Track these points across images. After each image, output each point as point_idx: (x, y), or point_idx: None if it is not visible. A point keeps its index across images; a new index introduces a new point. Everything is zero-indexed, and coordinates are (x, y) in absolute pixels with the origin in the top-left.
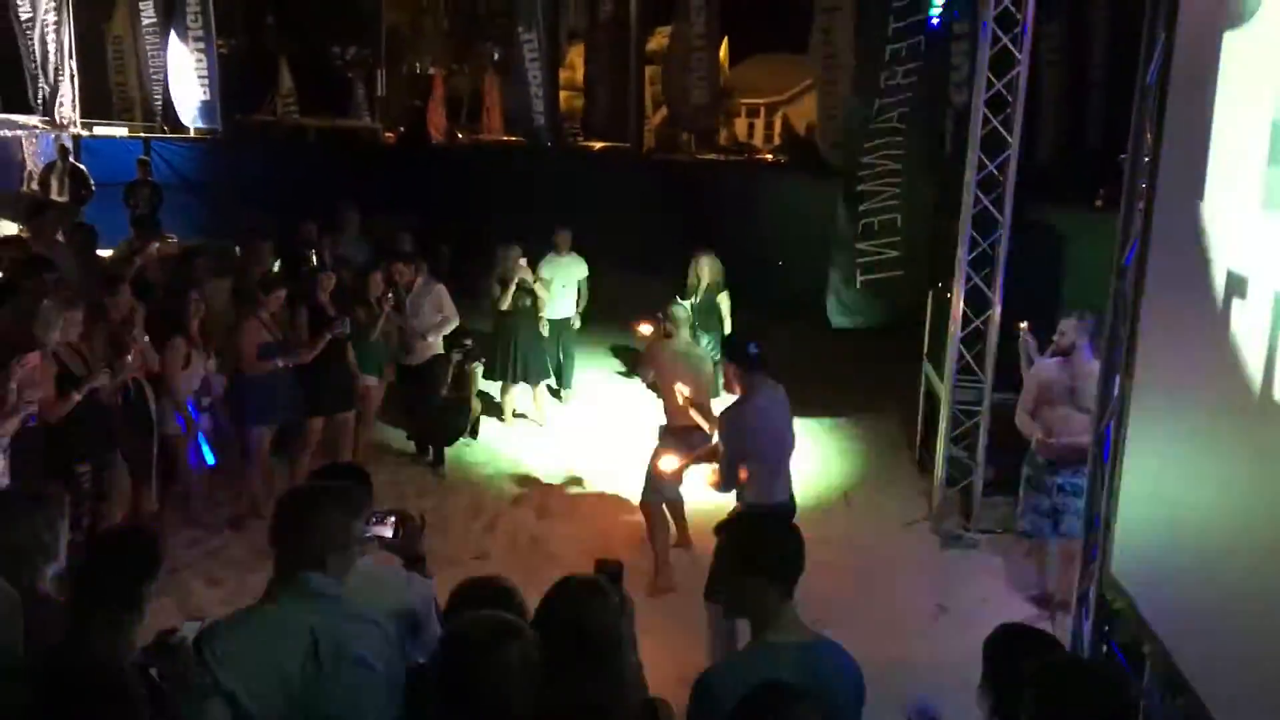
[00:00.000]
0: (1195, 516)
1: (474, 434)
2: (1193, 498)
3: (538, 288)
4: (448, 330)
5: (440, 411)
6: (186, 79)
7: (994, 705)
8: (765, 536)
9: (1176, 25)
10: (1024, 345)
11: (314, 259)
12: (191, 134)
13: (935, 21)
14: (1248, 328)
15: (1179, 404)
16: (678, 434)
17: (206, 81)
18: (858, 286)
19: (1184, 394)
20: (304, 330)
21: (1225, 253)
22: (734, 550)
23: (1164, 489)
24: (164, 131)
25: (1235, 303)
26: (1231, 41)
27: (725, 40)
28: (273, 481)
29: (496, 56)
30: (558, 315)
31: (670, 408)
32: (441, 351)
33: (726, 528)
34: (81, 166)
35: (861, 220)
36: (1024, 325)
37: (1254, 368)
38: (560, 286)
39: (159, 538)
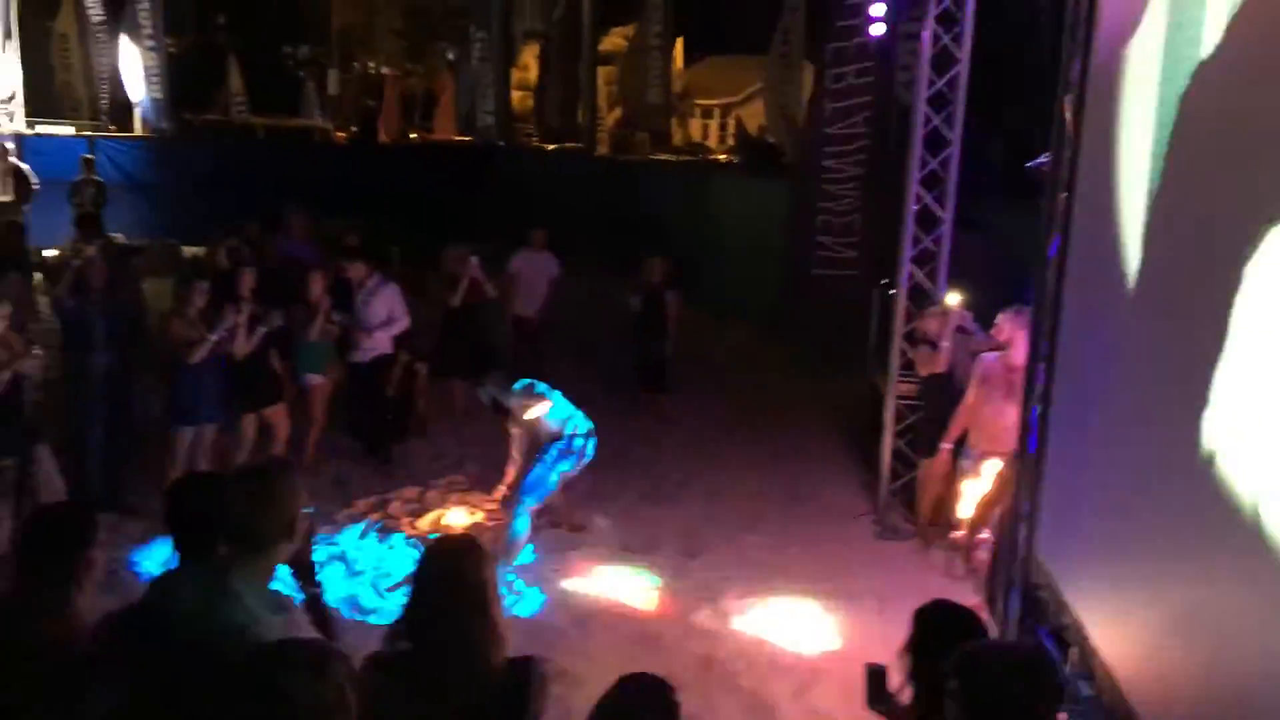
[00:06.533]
0: (1113, 502)
1: (421, 432)
2: (1109, 484)
3: (487, 287)
4: (396, 331)
5: (387, 410)
6: (135, 78)
7: (911, 671)
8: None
9: (1096, 25)
10: (953, 320)
11: (248, 257)
12: (138, 132)
13: (876, 18)
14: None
15: (1097, 390)
16: None
17: (155, 80)
18: (812, 275)
19: (1100, 381)
20: (235, 326)
21: (1134, 249)
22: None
23: (1084, 475)
24: (110, 130)
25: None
26: (1130, 52)
27: (679, 41)
28: None
29: (450, 57)
30: (526, 312)
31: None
32: (389, 350)
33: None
34: (24, 165)
35: (820, 216)
36: (954, 302)
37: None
38: (530, 283)
39: (92, 510)
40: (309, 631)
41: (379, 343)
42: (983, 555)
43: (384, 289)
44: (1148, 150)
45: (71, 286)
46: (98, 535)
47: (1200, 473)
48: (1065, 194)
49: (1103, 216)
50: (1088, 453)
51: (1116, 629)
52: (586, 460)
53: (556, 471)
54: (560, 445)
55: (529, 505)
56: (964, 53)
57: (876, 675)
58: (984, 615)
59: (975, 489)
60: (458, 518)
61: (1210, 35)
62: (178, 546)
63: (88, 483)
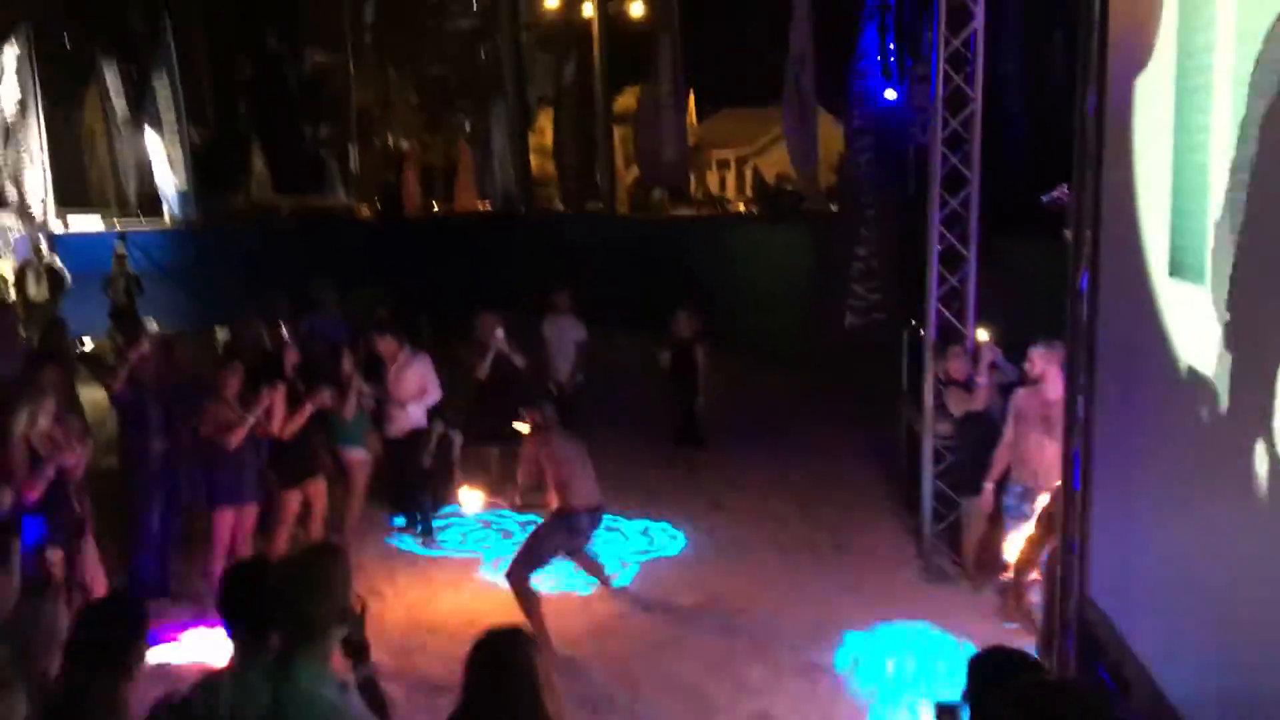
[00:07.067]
0: (1162, 533)
1: (460, 501)
2: (1159, 514)
3: (515, 358)
4: (429, 403)
5: (425, 481)
6: (160, 169)
7: None
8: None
9: (1108, 58)
10: (984, 353)
11: (286, 335)
12: (167, 221)
13: (871, 63)
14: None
15: (1138, 422)
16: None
17: (180, 169)
18: (845, 326)
19: (1141, 412)
20: (272, 406)
21: (1162, 276)
22: None
23: (1131, 507)
24: (139, 220)
25: (1180, 321)
26: (1141, 87)
27: (691, 96)
28: None
29: (468, 127)
30: (556, 377)
31: (570, 489)
32: (423, 422)
33: None
34: (57, 262)
35: (855, 262)
36: (983, 334)
37: (1205, 382)
38: (558, 348)
39: (144, 602)
40: (365, 714)
41: (413, 416)
42: (1034, 597)
43: (415, 362)
44: (1168, 179)
45: (128, 379)
46: (147, 626)
47: (1258, 501)
48: (1091, 227)
49: (1129, 246)
50: (1134, 485)
51: (1181, 666)
52: (586, 540)
53: (555, 543)
54: (567, 521)
55: (527, 575)
56: (977, 92)
57: (948, 713)
58: (1040, 658)
59: (1021, 529)
60: None
61: (1221, 63)
62: (232, 635)
63: (143, 569)
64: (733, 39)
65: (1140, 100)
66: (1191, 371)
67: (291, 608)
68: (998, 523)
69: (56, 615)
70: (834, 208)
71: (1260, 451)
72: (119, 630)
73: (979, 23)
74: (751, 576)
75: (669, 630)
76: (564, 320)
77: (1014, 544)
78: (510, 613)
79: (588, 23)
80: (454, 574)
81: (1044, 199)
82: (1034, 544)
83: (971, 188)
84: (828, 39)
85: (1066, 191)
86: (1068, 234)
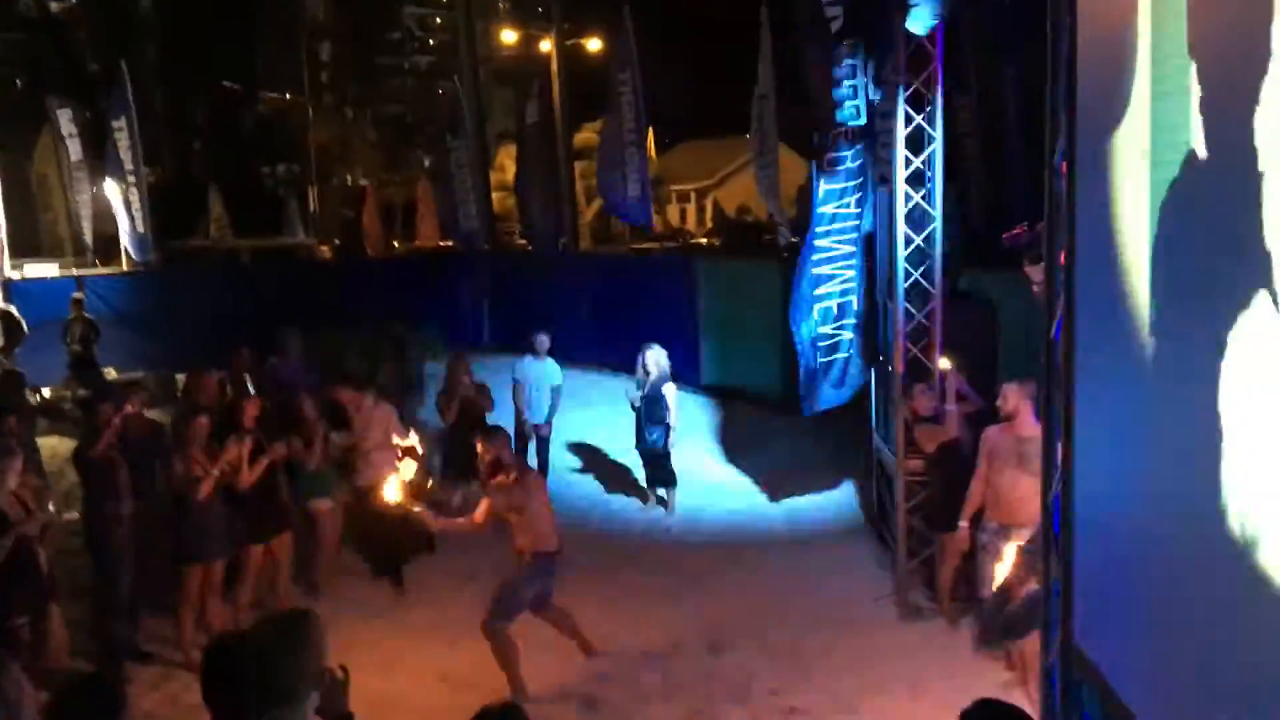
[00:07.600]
0: (1150, 578)
1: (431, 548)
2: (1142, 557)
3: (484, 402)
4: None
5: (395, 529)
6: (118, 213)
7: None
8: None
9: (1076, 108)
10: (950, 382)
11: (249, 386)
12: (124, 266)
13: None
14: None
15: (1117, 465)
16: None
17: (138, 213)
18: (819, 368)
19: (1120, 453)
20: (238, 458)
21: (1143, 324)
22: None
23: (1115, 550)
24: (96, 266)
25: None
26: (1115, 143)
27: (650, 130)
28: (215, 621)
29: (427, 164)
30: (532, 420)
31: (540, 531)
32: (393, 469)
33: None
34: (13, 310)
35: (819, 304)
36: (945, 363)
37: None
38: (534, 391)
39: (120, 680)
40: None
41: (379, 465)
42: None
43: (378, 411)
44: (1145, 227)
45: (107, 443)
46: (123, 704)
47: (1234, 543)
48: (1065, 273)
49: (1105, 292)
50: (1114, 529)
51: (1170, 715)
52: (552, 581)
53: (529, 589)
54: (540, 565)
55: (502, 625)
56: (938, 131)
57: None
58: (1027, 706)
59: (999, 569)
60: None
61: (1197, 117)
62: (215, 715)
63: (115, 631)
64: (690, 73)
65: (1115, 157)
66: (1171, 417)
67: (267, 673)
68: (972, 557)
69: (19, 688)
70: (795, 240)
71: (1225, 496)
72: (94, 710)
73: (938, 63)
74: (725, 616)
75: (648, 678)
76: (540, 365)
77: (991, 580)
78: (487, 664)
79: (546, 58)
80: (429, 626)
81: (1004, 237)
82: (1014, 587)
83: (935, 225)
84: (790, 76)
85: (1025, 229)
86: (1028, 270)
